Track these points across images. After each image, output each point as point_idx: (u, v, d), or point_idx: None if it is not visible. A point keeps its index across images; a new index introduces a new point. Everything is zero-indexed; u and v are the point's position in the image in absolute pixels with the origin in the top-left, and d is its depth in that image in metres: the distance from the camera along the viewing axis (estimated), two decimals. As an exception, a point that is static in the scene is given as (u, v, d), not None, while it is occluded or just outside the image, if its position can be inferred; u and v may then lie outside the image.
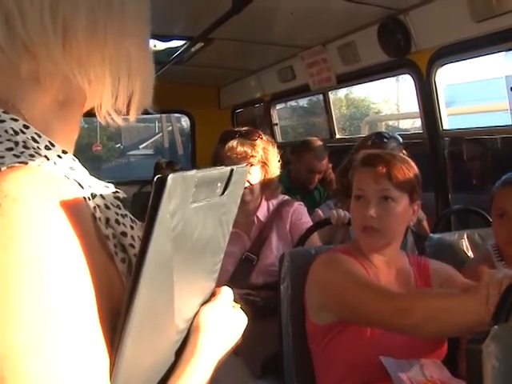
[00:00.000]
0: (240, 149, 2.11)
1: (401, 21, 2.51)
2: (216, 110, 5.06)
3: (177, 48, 3.45)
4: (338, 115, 4.41)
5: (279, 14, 2.68)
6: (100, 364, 0.49)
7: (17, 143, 0.52)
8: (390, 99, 12.04)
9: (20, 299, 0.44)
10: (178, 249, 0.52)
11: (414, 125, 6.20)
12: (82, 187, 0.56)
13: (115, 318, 0.50)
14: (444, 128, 2.63)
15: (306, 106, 7.95)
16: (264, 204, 2.25)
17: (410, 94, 2.90)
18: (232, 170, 0.58)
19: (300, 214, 2.25)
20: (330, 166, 3.32)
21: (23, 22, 0.54)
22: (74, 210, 0.51)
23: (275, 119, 4.44)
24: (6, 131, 0.52)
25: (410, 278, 1.58)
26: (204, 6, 2.51)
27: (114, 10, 0.58)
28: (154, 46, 3.62)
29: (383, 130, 6.91)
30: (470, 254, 2.05)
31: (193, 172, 0.50)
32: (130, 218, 0.62)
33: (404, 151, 2.35)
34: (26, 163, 0.49)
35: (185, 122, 10.38)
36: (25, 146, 0.52)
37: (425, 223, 2.65)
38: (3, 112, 0.54)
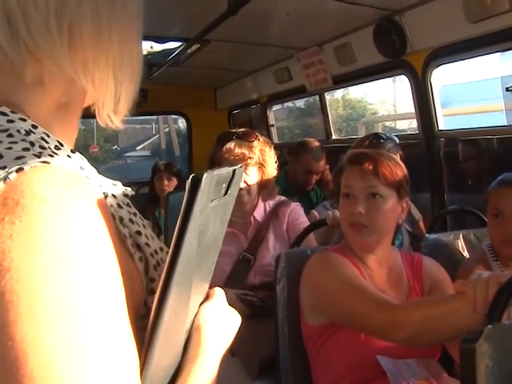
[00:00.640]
0: (238, 150, 2.12)
1: (396, 22, 2.52)
2: (212, 111, 5.05)
3: (173, 49, 3.45)
4: (334, 116, 4.41)
5: (275, 15, 2.68)
6: (131, 363, 0.48)
7: (32, 143, 0.51)
8: (387, 100, 12.08)
9: (52, 301, 0.43)
10: (198, 247, 0.53)
11: (411, 125, 6.20)
12: (100, 186, 0.56)
13: (136, 318, 0.50)
14: (440, 129, 2.64)
15: (302, 107, 7.94)
16: (261, 204, 2.26)
17: (406, 95, 2.91)
18: (234, 171, 0.59)
19: (297, 215, 2.26)
20: (328, 167, 3.32)
21: (28, 27, 0.52)
22: (100, 209, 0.50)
23: (272, 120, 4.44)
24: (19, 131, 0.51)
25: (402, 276, 1.59)
26: (200, 7, 2.51)
27: (116, 7, 0.58)
28: (151, 47, 3.63)
29: (380, 130, 6.94)
30: (466, 254, 2.06)
31: (215, 171, 0.51)
32: (140, 217, 0.62)
33: (401, 152, 2.37)
34: (49, 163, 0.48)
35: (182, 123, 10.38)
36: (41, 146, 0.51)
37: (421, 224, 2.66)
38: (11, 112, 0.53)
